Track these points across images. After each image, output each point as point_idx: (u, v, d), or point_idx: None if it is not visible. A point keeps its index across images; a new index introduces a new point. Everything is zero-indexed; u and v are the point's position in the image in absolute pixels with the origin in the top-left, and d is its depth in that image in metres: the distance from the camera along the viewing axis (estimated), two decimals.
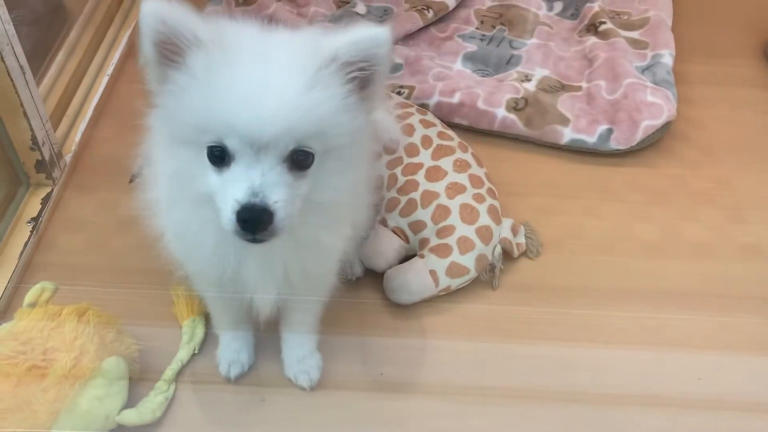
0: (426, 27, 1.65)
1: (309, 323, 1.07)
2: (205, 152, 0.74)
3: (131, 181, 1.30)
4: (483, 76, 1.55)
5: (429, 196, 1.21)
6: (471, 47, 1.62)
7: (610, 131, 1.41)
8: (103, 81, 1.52)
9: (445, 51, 1.60)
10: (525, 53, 1.60)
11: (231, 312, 1.05)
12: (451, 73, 1.54)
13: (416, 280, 1.14)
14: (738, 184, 1.41)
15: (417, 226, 1.20)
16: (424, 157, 1.25)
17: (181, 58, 0.72)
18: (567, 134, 1.42)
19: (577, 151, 1.43)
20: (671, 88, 1.48)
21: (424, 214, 1.20)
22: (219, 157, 0.74)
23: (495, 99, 1.45)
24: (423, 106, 1.41)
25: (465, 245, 1.16)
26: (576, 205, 1.35)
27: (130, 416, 0.97)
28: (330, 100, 0.72)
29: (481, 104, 1.44)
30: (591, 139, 1.42)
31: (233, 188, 0.73)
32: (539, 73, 1.55)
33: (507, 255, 1.22)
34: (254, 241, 0.75)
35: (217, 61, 0.71)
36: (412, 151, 1.27)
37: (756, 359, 1.12)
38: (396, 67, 1.54)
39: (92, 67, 1.56)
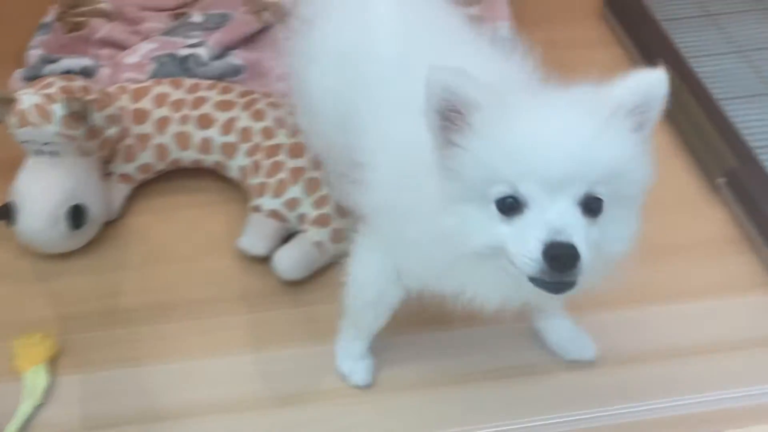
0: (267, 29, 1.61)
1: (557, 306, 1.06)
2: (491, 205, 0.75)
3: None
4: None
5: (297, 173, 1.24)
6: None
7: None
8: None
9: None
10: None
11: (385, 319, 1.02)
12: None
13: (303, 254, 1.18)
14: None
15: (292, 204, 1.22)
16: (282, 137, 1.28)
17: (462, 121, 0.74)
18: None
19: None
20: None
21: (296, 191, 1.22)
22: (510, 206, 0.74)
23: None
24: None
25: (342, 209, 1.19)
26: None
27: None
28: (622, 144, 0.74)
29: None
30: None
31: (530, 232, 0.72)
32: None
33: None
34: (557, 286, 0.74)
35: (500, 116, 0.73)
36: (268, 133, 1.29)
37: None
38: (236, 70, 1.51)
39: None
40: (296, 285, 1.20)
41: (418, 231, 0.83)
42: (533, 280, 0.74)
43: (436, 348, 1.12)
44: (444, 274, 0.85)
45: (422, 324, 1.13)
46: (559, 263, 0.71)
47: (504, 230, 0.75)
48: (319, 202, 1.22)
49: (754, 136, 1.40)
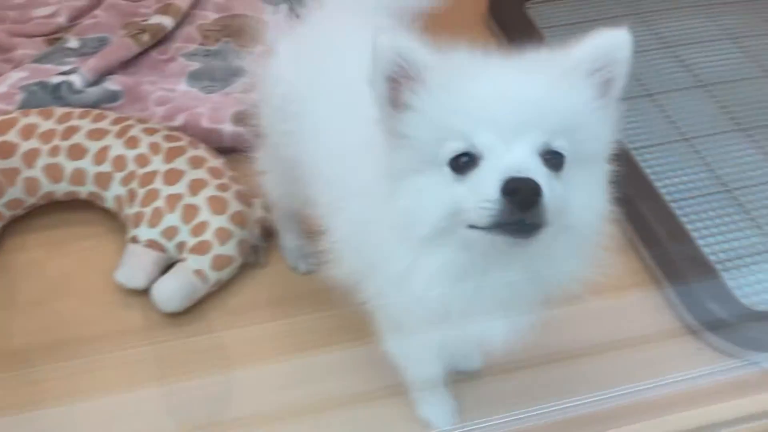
0: (146, 51, 1.58)
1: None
2: (443, 168, 0.72)
3: None
4: (209, 93, 1.50)
5: (173, 200, 1.20)
6: (195, 65, 1.57)
7: None
8: None
9: (168, 73, 1.55)
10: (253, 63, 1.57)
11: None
12: (174, 95, 1.48)
13: (183, 284, 1.15)
14: None
15: (170, 233, 1.19)
16: (157, 164, 1.25)
17: (412, 83, 0.72)
18: None
19: None
20: None
21: (173, 219, 1.19)
22: (464, 164, 0.71)
23: (220, 116, 1.42)
24: None
25: (223, 235, 1.18)
26: None
27: None
28: (578, 95, 0.72)
29: (205, 123, 1.41)
30: None
31: (488, 180, 0.69)
32: None
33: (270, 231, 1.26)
34: (520, 232, 0.70)
35: (453, 73, 0.72)
36: (142, 161, 1.25)
37: None
38: (113, 96, 1.46)
39: None
40: (185, 315, 1.17)
41: (381, 236, 0.80)
42: (495, 229, 0.70)
43: (321, 370, 1.11)
44: (408, 273, 0.79)
45: (304, 349, 1.12)
46: (520, 198, 0.67)
47: (459, 190, 0.72)
48: (198, 229, 1.18)
49: (630, 138, 1.46)
